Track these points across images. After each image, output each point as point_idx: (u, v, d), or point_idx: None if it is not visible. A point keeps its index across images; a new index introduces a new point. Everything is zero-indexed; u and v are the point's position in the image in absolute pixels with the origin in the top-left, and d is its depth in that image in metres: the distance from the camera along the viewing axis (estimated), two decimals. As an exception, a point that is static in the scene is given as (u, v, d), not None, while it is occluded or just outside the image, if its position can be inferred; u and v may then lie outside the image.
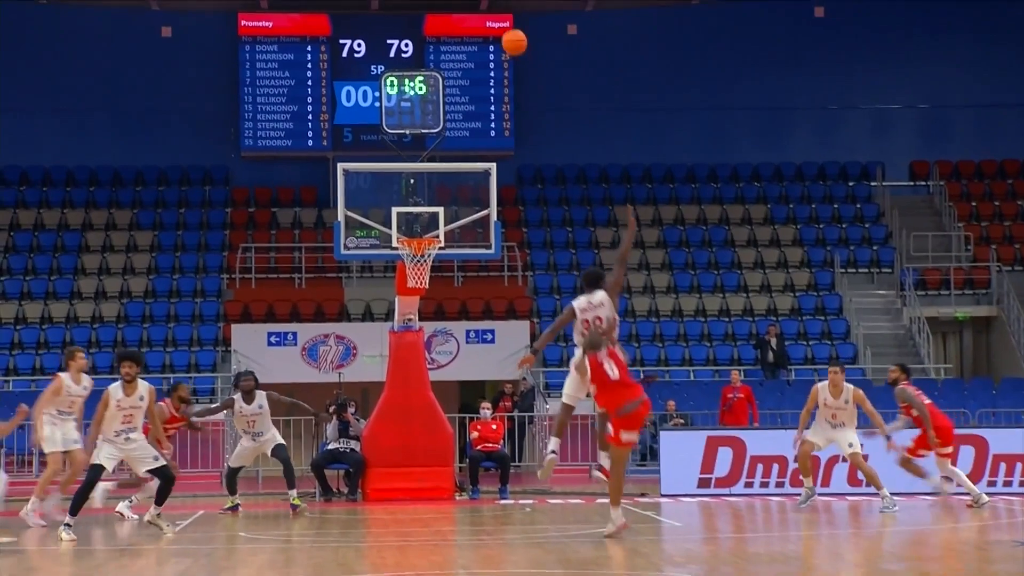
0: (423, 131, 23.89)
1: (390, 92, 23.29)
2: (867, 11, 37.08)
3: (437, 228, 21.44)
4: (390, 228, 21.49)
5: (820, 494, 19.90)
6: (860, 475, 19.44)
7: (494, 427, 22.85)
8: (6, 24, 34.83)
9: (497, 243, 22.12)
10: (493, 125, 36.28)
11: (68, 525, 15.42)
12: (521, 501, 21.25)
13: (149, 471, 16.06)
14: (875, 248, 35.01)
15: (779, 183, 36.85)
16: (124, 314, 32.88)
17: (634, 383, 14.73)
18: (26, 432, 21.79)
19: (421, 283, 21.42)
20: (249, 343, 30.55)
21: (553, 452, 15.14)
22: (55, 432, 16.96)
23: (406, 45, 36.09)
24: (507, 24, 34.98)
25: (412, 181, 22.42)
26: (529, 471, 27.35)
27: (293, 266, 34.16)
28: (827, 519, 17.93)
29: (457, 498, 21.71)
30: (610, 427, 14.64)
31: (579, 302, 15.21)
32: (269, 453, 19.51)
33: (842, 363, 19.16)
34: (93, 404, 16.30)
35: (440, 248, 21.54)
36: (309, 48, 36.07)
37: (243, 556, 14.31)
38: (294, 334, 31.00)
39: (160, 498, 16.18)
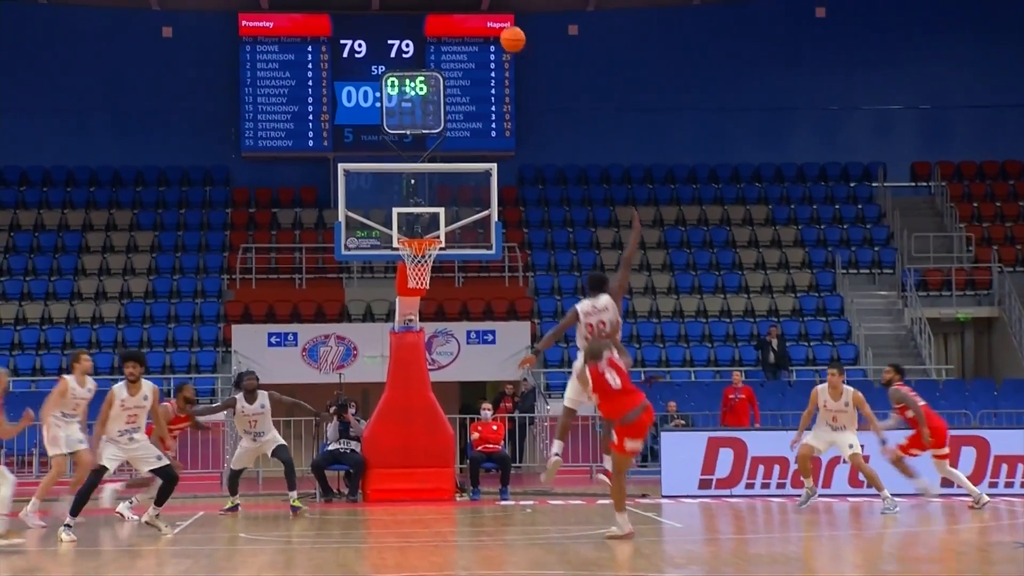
0: (424, 131, 23.86)
1: (391, 92, 23.27)
2: (868, 11, 37.05)
3: (438, 229, 21.44)
4: (391, 229, 21.48)
5: (821, 495, 19.88)
6: (861, 476, 19.43)
7: (495, 428, 22.83)
8: (6, 24, 34.81)
9: (498, 244, 22.10)
10: (494, 125, 36.25)
11: (68, 526, 15.42)
12: (522, 502, 21.24)
13: (152, 471, 16.06)
14: (876, 249, 34.97)
15: (780, 184, 36.81)
16: (124, 315, 32.84)
17: (636, 390, 14.68)
18: (26, 433, 21.79)
19: (422, 284, 21.42)
20: (249, 344, 30.53)
21: (557, 455, 15.13)
22: (59, 434, 17.04)
23: (407, 45, 36.06)
24: (508, 25, 34.89)
25: (413, 182, 22.42)
26: (530, 472, 27.31)
27: (294, 267, 34.12)
28: (828, 520, 17.92)
29: (458, 499, 21.70)
30: (614, 435, 14.61)
31: (583, 305, 15.17)
32: (270, 454, 19.50)
33: (841, 365, 19.14)
34: (96, 406, 16.31)
35: (441, 249, 21.54)
36: (310, 48, 36.04)
37: (243, 557, 14.30)
38: (295, 335, 30.97)
39: (160, 499, 16.20)
